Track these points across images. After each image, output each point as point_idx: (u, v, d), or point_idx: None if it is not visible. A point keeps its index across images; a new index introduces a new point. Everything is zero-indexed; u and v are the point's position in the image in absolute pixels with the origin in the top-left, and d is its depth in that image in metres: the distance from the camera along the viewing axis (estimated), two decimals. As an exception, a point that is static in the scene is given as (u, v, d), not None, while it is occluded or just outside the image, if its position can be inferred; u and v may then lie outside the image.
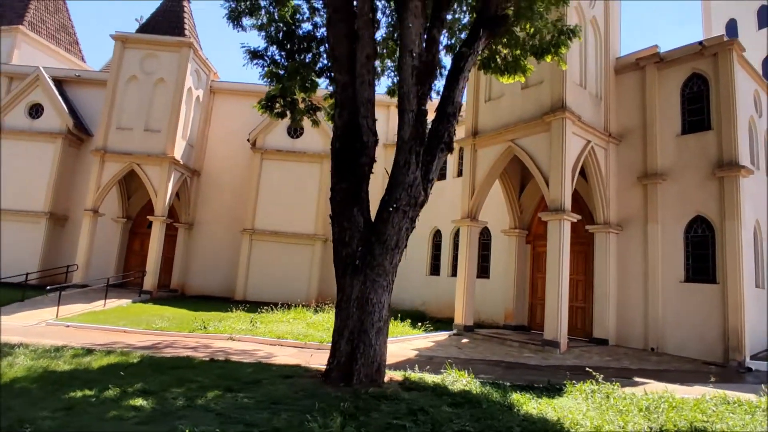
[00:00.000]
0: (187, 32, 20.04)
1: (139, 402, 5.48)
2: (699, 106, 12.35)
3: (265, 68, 9.79)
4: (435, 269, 19.12)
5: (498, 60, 9.13)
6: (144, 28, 19.95)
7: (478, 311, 16.54)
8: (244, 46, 10.25)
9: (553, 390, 7.05)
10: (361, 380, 6.64)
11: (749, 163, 12.17)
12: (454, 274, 17.26)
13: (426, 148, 7.25)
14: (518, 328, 14.66)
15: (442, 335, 13.19)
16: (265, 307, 15.68)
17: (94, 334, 11.59)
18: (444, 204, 17.72)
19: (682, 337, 11.75)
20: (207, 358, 8.52)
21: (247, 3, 9.37)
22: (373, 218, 7.21)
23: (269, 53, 9.87)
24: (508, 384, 7.36)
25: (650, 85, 13.06)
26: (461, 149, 15.67)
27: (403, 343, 12.07)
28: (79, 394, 5.74)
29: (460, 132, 17.02)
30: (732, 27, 24.01)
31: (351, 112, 7.35)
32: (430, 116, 7.28)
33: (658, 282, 12.22)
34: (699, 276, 11.81)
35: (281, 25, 9.76)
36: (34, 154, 19.69)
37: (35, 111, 20.18)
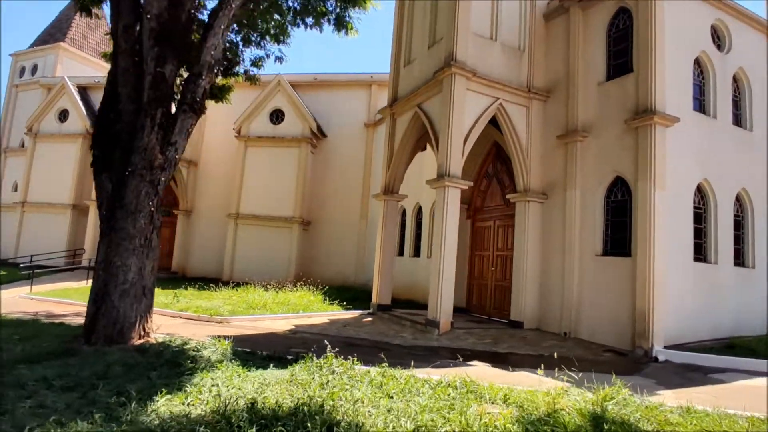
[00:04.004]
0: (177, 32, 21.49)
1: None
2: (624, 46, 10.30)
3: None
4: (413, 250, 18.01)
5: (317, 15, 8.56)
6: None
7: (421, 291, 15.58)
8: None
9: (293, 362, 6.54)
10: (99, 340, 6.79)
11: (690, 110, 9.91)
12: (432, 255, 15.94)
13: (175, 111, 7.13)
14: (456, 311, 13.53)
15: (351, 314, 12.74)
16: (233, 286, 16.19)
17: (39, 305, 13.24)
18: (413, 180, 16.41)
19: (595, 321, 9.99)
20: (49, 321, 9.35)
21: None
22: None
23: None
24: (265, 354, 7.02)
25: (574, 28, 11.17)
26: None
27: (298, 320, 11.91)
28: None
29: (383, 102, 15.77)
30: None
31: (112, 82, 7.46)
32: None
33: (575, 257, 10.50)
34: (616, 249, 9.93)
35: None
36: (62, 154, 22.72)
37: (63, 116, 23.23)
